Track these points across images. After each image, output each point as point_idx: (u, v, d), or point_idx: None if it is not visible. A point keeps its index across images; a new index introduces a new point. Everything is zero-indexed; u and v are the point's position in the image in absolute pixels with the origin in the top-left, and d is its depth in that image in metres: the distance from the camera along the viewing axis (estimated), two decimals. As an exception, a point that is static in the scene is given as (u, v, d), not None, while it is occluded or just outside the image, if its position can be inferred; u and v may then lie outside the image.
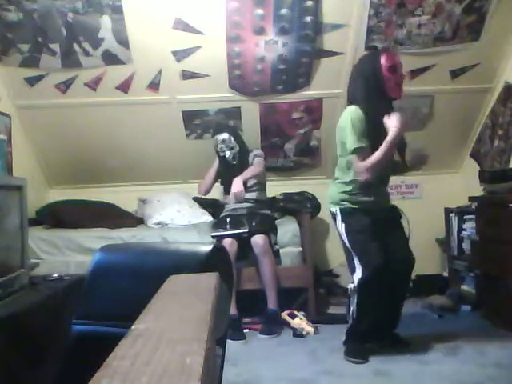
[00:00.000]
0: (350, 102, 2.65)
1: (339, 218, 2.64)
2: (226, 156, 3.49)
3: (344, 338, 2.66)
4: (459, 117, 3.91)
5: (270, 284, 3.16)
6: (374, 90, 2.56)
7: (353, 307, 2.59)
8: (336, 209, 2.67)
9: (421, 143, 3.03)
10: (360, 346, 2.60)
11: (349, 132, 2.52)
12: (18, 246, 2.03)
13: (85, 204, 3.91)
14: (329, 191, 2.76)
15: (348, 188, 2.63)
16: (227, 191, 3.53)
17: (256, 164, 3.51)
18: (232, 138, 3.48)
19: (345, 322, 2.70)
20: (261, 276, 3.19)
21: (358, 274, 2.54)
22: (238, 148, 3.50)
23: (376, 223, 2.58)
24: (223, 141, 3.47)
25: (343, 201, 2.64)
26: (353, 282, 2.59)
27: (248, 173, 3.44)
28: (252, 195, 3.51)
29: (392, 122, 2.48)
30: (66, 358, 0.99)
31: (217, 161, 3.57)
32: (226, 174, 3.53)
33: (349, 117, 2.54)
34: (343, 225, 2.62)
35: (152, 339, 0.51)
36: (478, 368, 2.37)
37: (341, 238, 2.66)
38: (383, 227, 2.62)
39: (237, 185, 3.29)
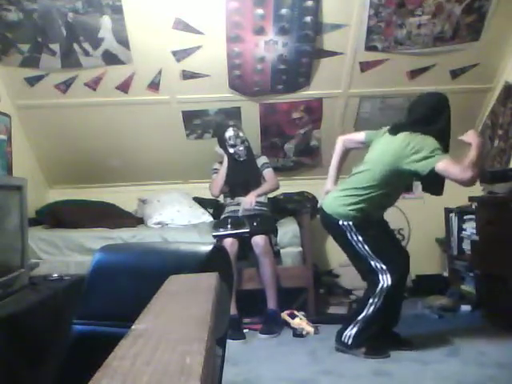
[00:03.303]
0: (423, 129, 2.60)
1: (353, 230, 2.62)
2: (239, 151, 3.45)
3: (350, 341, 2.62)
4: (459, 117, 3.90)
5: (270, 284, 3.16)
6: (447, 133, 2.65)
7: (370, 311, 2.58)
8: (348, 223, 2.63)
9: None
10: (378, 343, 2.62)
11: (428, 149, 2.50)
12: (18, 246, 2.03)
13: (85, 204, 3.91)
14: (334, 205, 2.69)
15: (361, 205, 2.62)
16: (233, 193, 3.52)
17: (271, 178, 3.54)
18: (240, 132, 3.47)
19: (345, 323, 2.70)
20: (261, 276, 3.19)
21: (386, 280, 2.56)
22: (247, 143, 3.50)
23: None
24: (234, 136, 3.44)
25: (355, 216, 2.62)
26: (374, 287, 2.59)
27: (264, 188, 3.49)
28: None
29: (471, 137, 2.57)
30: (66, 357, 0.99)
31: (225, 160, 3.51)
32: (233, 174, 3.49)
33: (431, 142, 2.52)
34: (359, 236, 2.61)
35: (152, 339, 0.51)
36: (478, 368, 2.37)
37: (354, 247, 2.64)
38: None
39: (250, 202, 3.35)
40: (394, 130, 2.65)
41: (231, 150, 3.46)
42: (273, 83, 3.63)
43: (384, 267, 2.57)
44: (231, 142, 3.45)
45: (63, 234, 3.49)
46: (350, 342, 2.62)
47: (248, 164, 3.51)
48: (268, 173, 3.55)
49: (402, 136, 2.58)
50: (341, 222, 2.63)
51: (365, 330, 2.60)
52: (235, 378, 2.36)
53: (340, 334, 2.67)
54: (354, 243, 2.63)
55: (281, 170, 4.10)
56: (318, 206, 2.89)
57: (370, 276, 2.65)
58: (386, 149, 2.61)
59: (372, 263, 2.60)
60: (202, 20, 3.27)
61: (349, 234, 2.63)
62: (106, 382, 0.41)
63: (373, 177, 2.60)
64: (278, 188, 3.61)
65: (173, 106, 3.71)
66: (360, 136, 2.89)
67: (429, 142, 2.49)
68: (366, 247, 2.61)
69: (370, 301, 2.59)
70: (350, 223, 2.61)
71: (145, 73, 3.50)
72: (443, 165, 2.42)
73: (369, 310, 2.59)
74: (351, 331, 2.63)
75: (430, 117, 2.62)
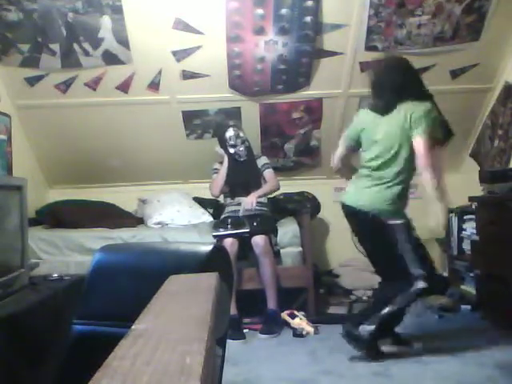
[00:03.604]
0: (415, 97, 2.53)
1: (405, 231, 2.49)
2: (240, 152, 3.46)
3: (366, 336, 2.52)
4: (459, 117, 3.90)
5: (270, 284, 3.16)
6: None
7: (394, 309, 2.51)
8: (401, 222, 2.50)
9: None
10: (377, 347, 2.59)
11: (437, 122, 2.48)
12: (18, 246, 2.03)
13: (85, 204, 3.91)
14: (379, 202, 2.52)
15: (403, 199, 2.52)
16: (233, 193, 3.52)
17: (272, 179, 3.54)
18: (240, 132, 3.48)
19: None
20: (261, 276, 3.19)
21: (418, 285, 2.46)
22: (247, 143, 3.50)
23: None
24: (235, 136, 3.44)
25: (403, 214, 2.53)
26: (405, 289, 2.49)
27: (265, 189, 3.49)
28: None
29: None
30: (66, 357, 0.99)
31: (226, 160, 3.52)
32: (233, 174, 3.49)
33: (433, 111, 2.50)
34: (407, 237, 2.49)
35: (152, 339, 0.51)
36: (478, 368, 2.37)
37: (396, 246, 2.50)
38: None
39: (251, 203, 3.35)
40: (384, 109, 2.54)
41: (231, 150, 3.47)
42: (273, 83, 3.63)
43: (421, 273, 2.46)
44: (232, 142, 3.45)
45: (63, 233, 3.49)
46: (365, 337, 2.52)
47: (248, 164, 3.51)
48: (268, 173, 3.55)
49: (397, 110, 2.50)
50: (391, 222, 2.49)
51: (382, 327, 2.54)
52: (235, 378, 2.36)
53: (356, 323, 2.56)
54: (400, 242, 2.48)
55: (281, 170, 4.10)
56: (346, 203, 2.63)
57: (401, 277, 2.50)
58: (390, 130, 2.51)
59: (409, 265, 2.47)
60: (202, 20, 3.27)
61: (398, 233, 2.48)
62: (106, 382, 0.41)
63: (398, 163, 2.49)
64: (278, 189, 3.61)
65: (173, 106, 3.71)
66: (340, 150, 2.74)
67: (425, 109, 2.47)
68: (409, 248, 2.47)
69: (399, 299, 2.50)
70: (402, 223, 2.49)
71: (145, 73, 3.50)
72: (423, 142, 2.41)
73: (393, 308, 2.51)
74: (370, 326, 2.52)
75: (404, 81, 2.56)
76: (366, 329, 2.52)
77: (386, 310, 2.52)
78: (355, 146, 2.70)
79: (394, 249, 2.50)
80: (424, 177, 2.43)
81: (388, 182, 2.52)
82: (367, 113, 2.66)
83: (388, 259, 2.58)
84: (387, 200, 2.51)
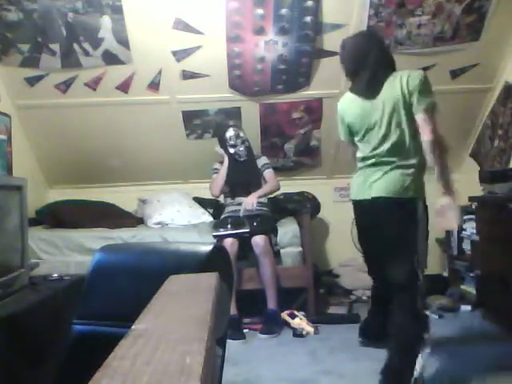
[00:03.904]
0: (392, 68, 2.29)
1: (421, 211, 2.20)
2: (240, 152, 3.46)
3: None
4: (459, 117, 3.91)
5: (270, 284, 3.16)
6: None
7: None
8: (420, 203, 2.21)
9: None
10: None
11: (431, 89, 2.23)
12: (18, 246, 2.03)
13: (85, 204, 3.91)
14: (397, 183, 2.18)
15: (423, 170, 2.24)
16: (233, 193, 3.52)
17: (272, 179, 3.54)
18: (240, 132, 3.48)
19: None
20: (261, 276, 3.19)
21: (421, 276, 2.18)
22: (247, 143, 3.51)
23: None
24: (235, 136, 3.45)
25: (422, 187, 2.24)
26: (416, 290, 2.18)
27: (265, 190, 3.49)
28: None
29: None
30: (66, 357, 0.99)
31: (226, 160, 3.52)
32: (233, 174, 3.50)
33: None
34: (421, 221, 2.20)
35: (152, 339, 0.51)
36: (478, 368, 2.37)
37: (410, 237, 2.18)
38: None
39: (251, 203, 3.35)
40: (372, 91, 2.26)
41: (232, 150, 3.47)
42: (273, 83, 3.63)
43: (420, 261, 2.17)
44: (232, 142, 3.46)
45: (63, 233, 3.49)
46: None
47: (248, 164, 3.51)
48: (268, 173, 3.56)
49: (387, 85, 2.23)
50: (414, 205, 2.18)
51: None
52: (235, 378, 2.36)
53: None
54: (414, 228, 2.17)
55: (281, 169, 4.10)
56: (358, 198, 2.34)
57: (410, 273, 2.17)
58: (385, 109, 2.22)
59: (414, 256, 2.17)
60: (202, 20, 3.27)
61: (416, 217, 2.18)
62: (106, 382, 0.41)
63: (405, 139, 2.21)
64: (278, 189, 3.61)
65: (173, 106, 3.71)
66: (349, 149, 2.52)
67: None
68: (422, 239, 2.19)
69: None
70: (421, 203, 2.20)
71: (145, 73, 3.50)
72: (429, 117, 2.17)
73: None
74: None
75: (382, 52, 2.32)
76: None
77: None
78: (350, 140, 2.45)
79: (415, 242, 2.19)
80: (433, 152, 2.14)
81: (405, 161, 2.20)
82: (352, 100, 2.35)
83: (406, 251, 2.19)
84: (414, 180, 2.20)
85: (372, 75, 2.25)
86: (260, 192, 3.45)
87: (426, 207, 2.25)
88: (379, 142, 2.24)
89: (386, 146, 2.22)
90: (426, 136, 2.15)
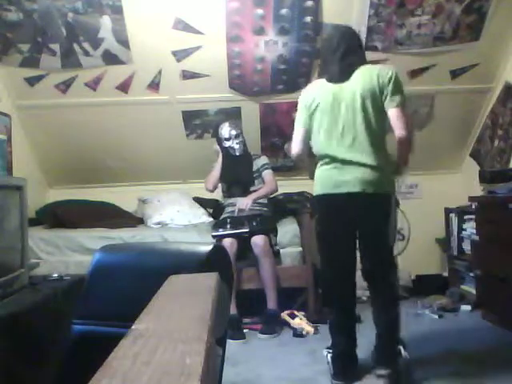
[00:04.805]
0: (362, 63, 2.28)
1: (393, 207, 2.27)
2: (235, 146, 3.46)
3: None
4: (459, 117, 3.91)
5: (269, 284, 3.16)
6: None
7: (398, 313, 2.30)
8: (393, 197, 2.27)
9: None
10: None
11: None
12: (18, 246, 2.03)
13: (85, 204, 3.91)
14: (377, 175, 2.18)
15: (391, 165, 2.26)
16: (229, 191, 3.53)
17: (270, 181, 3.51)
18: (235, 128, 3.48)
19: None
20: (261, 276, 3.19)
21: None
22: (242, 138, 3.50)
23: None
24: (229, 130, 3.46)
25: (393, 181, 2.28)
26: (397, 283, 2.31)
27: (262, 192, 3.47)
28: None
29: None
30: (66, 357, 0.99)
31: (220, 156, 3.53)
32: (228, 169, 3.51)
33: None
34: (394, 215, 2.28)
35: (152, 339, 0.51)
36: (478, 368, 2.37)
37: (389, 232, 2.25)
38: None
39: (246, 203, 3.34)
40: (344, 75, 2.23)
41: (226, 144, 3.48)
42: (273, 83, 3.63)
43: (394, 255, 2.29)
44: (226, 136, 3.47)
45: (63, 233, 3.49)
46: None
47: (243, 159, 3.51)
48: (267, 175, 3.55)
49: (358, 74, 2.22)
50: (387, 201, 2.23)
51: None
52: (235, 377, 2.36)
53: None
54: (392, 222, 2.25)
55: (281, 169, 4.10)
56: (329, 192, 2.25)
57: (393, 269, 2.30)
58: (354, 97, 2.19)
59: (390, 244, 2.27)
60: (202, 20, 3.27)
61: (391, 212, 2.24)
62: (106, 382, 0.41)
63: (373, 130, 2.19)
64: (276, 191, 3.60)
65: (173, 106, 3.71)
66: (300, 132, 2.37)
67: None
68: (394, 228, 2.29)
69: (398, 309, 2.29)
70: (394, 198, 2.27)
71: (145, 73, 3.50)
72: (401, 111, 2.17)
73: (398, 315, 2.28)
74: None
75: (360, 44, 2.39)
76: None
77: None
78: (310, 131, 2.34)
79: (390, 234, 2.26)
80: (403, 148, 2.18)
81: (373, 153, 2.18)
82: (321, 85, 2.31)
83: (383, 250, 2.28)
84: (386, 172, 2.22)
85: (347, 58, 2.25)
86: (257, 194, 3.44)
87: (396, 201, 2.32)
88: (348, 132, 2.20)
89: (350, 137, 2.19)
90: (398, 131, 2.16)
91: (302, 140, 2.36)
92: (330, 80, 2.27)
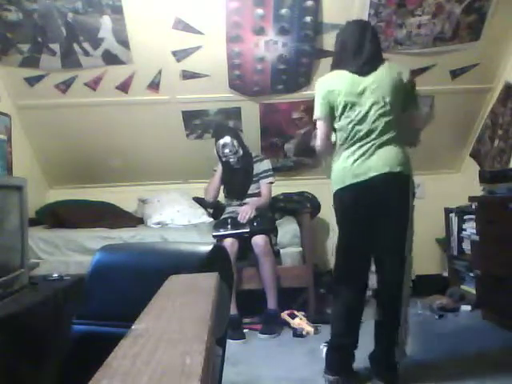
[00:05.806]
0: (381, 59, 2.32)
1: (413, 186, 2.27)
2: (231, 161, 3.43)
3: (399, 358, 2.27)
4: (459, 117, 3.91)
5: (269, 284, 3.16)
6: None
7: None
8: (412, 179, 2.26)
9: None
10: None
11: None
12: (18, 246, 2.03)
13: (85, 204, 3.91)
14: (401, 156, 2.20)
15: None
16: (230, 195, 3.53)
17: (266, 194, 3.47)
18: (235, 142, 3.43)
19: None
20: (261, 276, 3.19)
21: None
22: (241, 152, 3.46)
23: None
24: (226, 145, 3.41)
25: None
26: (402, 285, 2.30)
27: (260, 201, 3.44)
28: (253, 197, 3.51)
29: None
30: (66, 357, 0.99)
31: (220, 167, 3.51)
32: (229, 178, 3.51)
33: None
34: (412, 196, 2.25)
35: (152, 339, 0.51)
36: (478, 368, 2.37)
37: (411, 216, 2.23)
38: None
39: (244, 217, 3.28)
40: (368, 69, 2.25)
41: (223, 159, 3.46)
42: (273, 83, 3.63)
43: (410, 248, 2.24)
44: (223, 152, 3.42)
45: (63, 233, 3.49)
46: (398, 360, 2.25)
47: (243, 171, 3.48)
48: (264, 187, 3.49)
49: (383, 67, 2.27)
50: (409, 184, 2.22)
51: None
52: (235, 378, 2.36)
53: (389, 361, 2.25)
54: (411, 207, 2.23)
55: (281, 169, 4.10)
56: (358, 180, 2.22)
57: (403, 263, 2.26)
58: (380, 85, 2.23)
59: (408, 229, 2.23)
60: (202, 20, 3.27)
61: (412, 196, 2.25)
62: (106, 382, 0.41)
63: (394, 114, 2.23)
64: (267, 205, 3.53)
65: (173, 106, 3.71)
66: (324, 123, 2.37)
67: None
68: (411, 222, 2.25)
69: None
70: (413, 180, 2.27)
71: (145, 73, 3.50)
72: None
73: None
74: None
75: (377, 38, 2.41)
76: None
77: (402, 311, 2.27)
78: (331, 121, 2.34)
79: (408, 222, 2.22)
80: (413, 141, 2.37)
81: (395, 136, 2.21)
82: (341, 75, 2.30)
83: (399, 240, 2.22)
84: (406, 155, 2.24)
85: (374, 54, 2.29)
86: (256, 203, 3.41)
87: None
88: (371, 118, 2.20)
89: (379, 121, 2.20)
90: (417, 125, 2.49)
91: (326, 135, 2.39)
92: (353, 71, 2.26)
